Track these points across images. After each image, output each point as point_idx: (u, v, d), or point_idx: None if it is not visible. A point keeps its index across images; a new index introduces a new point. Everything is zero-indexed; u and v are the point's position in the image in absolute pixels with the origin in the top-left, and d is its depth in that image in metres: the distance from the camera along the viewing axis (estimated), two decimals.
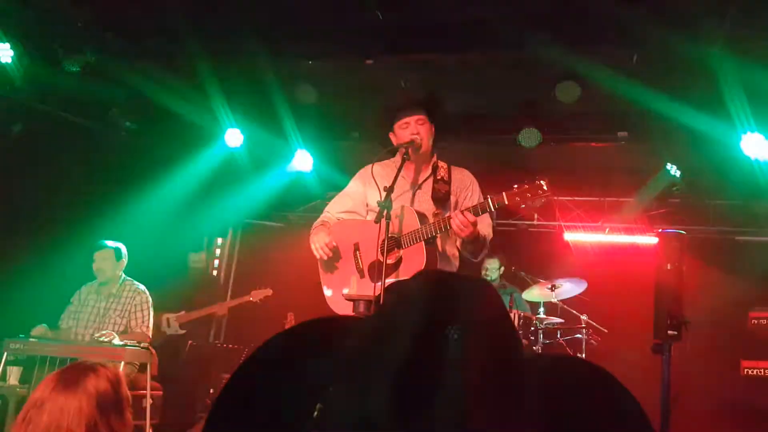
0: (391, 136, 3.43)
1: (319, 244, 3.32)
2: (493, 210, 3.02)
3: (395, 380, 0.61)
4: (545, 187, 2.91)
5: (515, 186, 2.94)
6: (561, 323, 6.08)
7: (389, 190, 3.04)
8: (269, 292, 6.21)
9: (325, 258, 3.33)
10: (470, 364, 0.63)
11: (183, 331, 6.03)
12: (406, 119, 3.35)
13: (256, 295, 6.19)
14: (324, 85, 5.75)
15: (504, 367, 0.66)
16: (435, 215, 3.21)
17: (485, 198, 3.05)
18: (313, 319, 0.94)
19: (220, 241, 8.06)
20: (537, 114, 5.76)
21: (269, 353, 0.78)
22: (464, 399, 0.61)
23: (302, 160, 6.62)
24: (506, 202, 2.96)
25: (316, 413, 0.64)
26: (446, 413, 0.60)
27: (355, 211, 3.49)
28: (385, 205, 2.99)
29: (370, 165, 3.37)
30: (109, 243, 5.04)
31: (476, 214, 3.03)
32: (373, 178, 3.23)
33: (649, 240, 6.81)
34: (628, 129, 5.91)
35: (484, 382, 0.63)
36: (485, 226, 3.29)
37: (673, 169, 6.12)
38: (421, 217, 3.21)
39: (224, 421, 0.71)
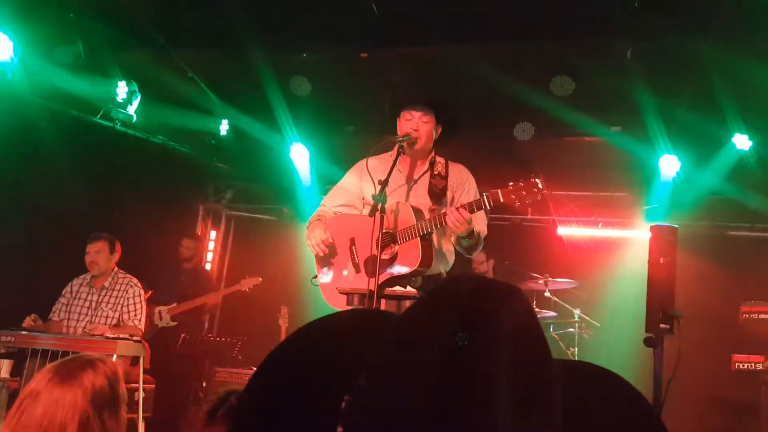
0: (398, 122, 3.44)
1: (315, 240, 3.32)
2: (488, 207, 3.04)
3: (424, 384, 0.61)
4: (540, 185, 2.94)
5: (511, 184, 2.97)
6: (553, 317, 6.11)
7: (384, 183, 3.04)
8: (258, 280, 6.21)
9: (321, 254, 3.35)
10: (499, 371, 0.63)
11: (174, 323, 6.01)
12: (412, 112, 3.35)
13: (245, 284, 6.19)
14: (318, 78, 5.72)
15: (532, 377, 0.66)
16: (431, 211, 3.21)
17: (481, 195, 3.08)
18: (361, 309, 0.89)
19: (213, 233, 8.05)
20: (531, 108, 5.76)
21: (309, 337, 0.76)
22: (492, 407, 0.61)
23: (298, 154, 6.62)
24: (501, 200, 2.98)
25: (343, 405, 0.63)
26: (475, 420, 0.60)
27: (352, 205, 3.49)
28: (380, 198, 3.00)
29: (366, 158, 3.37)
30: (103, 235, 5.01)
31: (471, 212, 3.05)
32: (368, 171, 3.23)
33: (642, 235, 6.80)
34: (621, 123, 5.93)
35: (512, 391, 0.63)
36: (480, 222, 3.31)
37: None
38: (417, 212, 3.22)
39: (256, 403, 0.71)
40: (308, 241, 3.35)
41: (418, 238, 3.13)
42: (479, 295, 0.70)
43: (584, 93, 5.45)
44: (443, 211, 3.12)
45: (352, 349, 0.71)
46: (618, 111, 5.79)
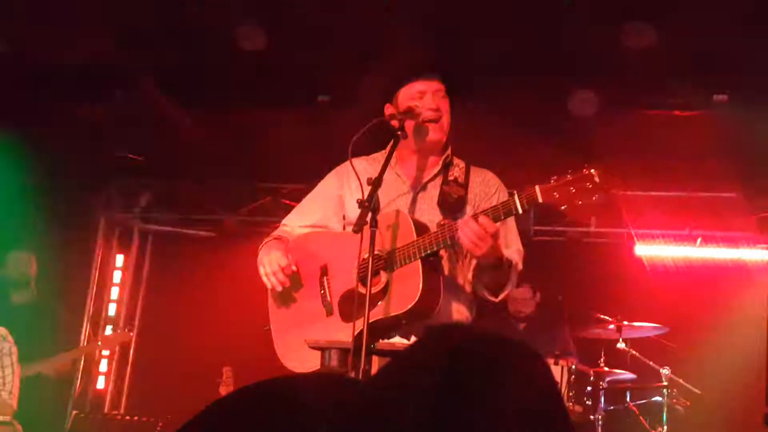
0: (389, 109, 3.43)
1: (271, 267, 3.32)
2: (521, 211, 3.03)
3: None
4: (597, 179, 2.93)
5: (553, 178, 2.97)
6: (632, 380, 6.10)
7: (376, 182, 3.04)
8: (128, 336, 6.39)
9: (280, 288, 3.34)
10: None
11: None
12: (421, 86, 3.37)
13: (109, 342, 6.26)
14: (276, 25, 5.64)
15: None
16: (440, 226, 3.20)
17: (511, 196, 3.06)
18: (271, 380, 0.98)
19: (120, 258, 8.06)
20: (593, 69, 5.80)
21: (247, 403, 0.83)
22: None
23: None
24: (540, 200, 2.99)
25: None
26: None
27: (325, 225, 3.53)
28: (369, 206, 2.98)
29: (349, 159, 3.29)
30: None
31: (496, 219, 3.04)
32: (356, 175, 3.16)
33: (763, 255, 6.83)
34: (728, 89, 5.96)
35: None
36: (512, 246, 3.33)
37: None
38: (419, 227, 3.21)
39: None
40: (261, 269, 3.35)
41: (419, 260, 3.12)
42: (471, 357, 0.74)
43: (671, 44, 5.44)
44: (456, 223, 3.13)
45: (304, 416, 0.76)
46: (724, 70, 5.80)
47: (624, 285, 6.81)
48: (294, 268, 3.33)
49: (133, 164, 7.44)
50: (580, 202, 2.97)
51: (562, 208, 3.01)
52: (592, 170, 2.93)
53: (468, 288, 3.41)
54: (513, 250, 3.32)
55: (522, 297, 6.44)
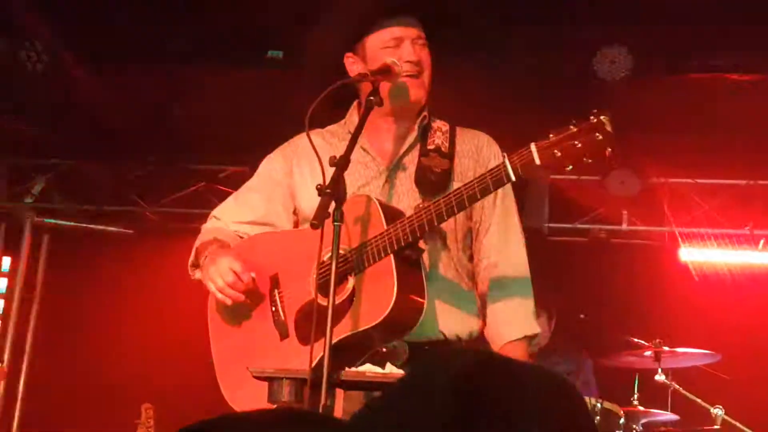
0: (350, 61, 3.49)
1: (225, 279, 3.34)
2: (513, 178, 3.08)
3: None
4: (608, 128, 2.96)
5: (552, 132, 3.00)
6: (674, 422, 6.10)
7: (341, 162, 3.08)
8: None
9: (242, 298, 3.39)
10: None
11: None
12: (397, 31, 3.41)
13: None
14: None
15: None
16: (417, 210, 3.24)
17: (503, 161, 3.09)
18: (219, 418, 1.09)
19: (7, 261, 7.92)
20: (628, 21, 5.96)
21: None
22: None
23: None
24: (537, 162, 3.02)
25: None
26: None
27: (271, 224, 3.59)
28: (333, 193, 2.99)
29: (306, 133, 3.29)
30: None
31: (484, 192, 3.12)
32: (317, 154, 3.15)
33: None
34: None
35: None
36: (512, 249, 3.46)
37: None
38: (392, 214, 3.25)
39: None
40: (212, 284, 3.37)
41: (391, 255, 3.16)
42: (484, 383, 0.86)
43: None
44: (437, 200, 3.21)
45: None
46: None
47: (665, 300, 6.91)
48: (252, 275, 3.35)
49: (24, 139, 7.45)
50: (589, 160, 3.02)
51: (568, 168, 3.04)
52: (602, 117, 2.96)
53: (465, 285, 3.48)
54: (512, 249, 3.43)
55: None
